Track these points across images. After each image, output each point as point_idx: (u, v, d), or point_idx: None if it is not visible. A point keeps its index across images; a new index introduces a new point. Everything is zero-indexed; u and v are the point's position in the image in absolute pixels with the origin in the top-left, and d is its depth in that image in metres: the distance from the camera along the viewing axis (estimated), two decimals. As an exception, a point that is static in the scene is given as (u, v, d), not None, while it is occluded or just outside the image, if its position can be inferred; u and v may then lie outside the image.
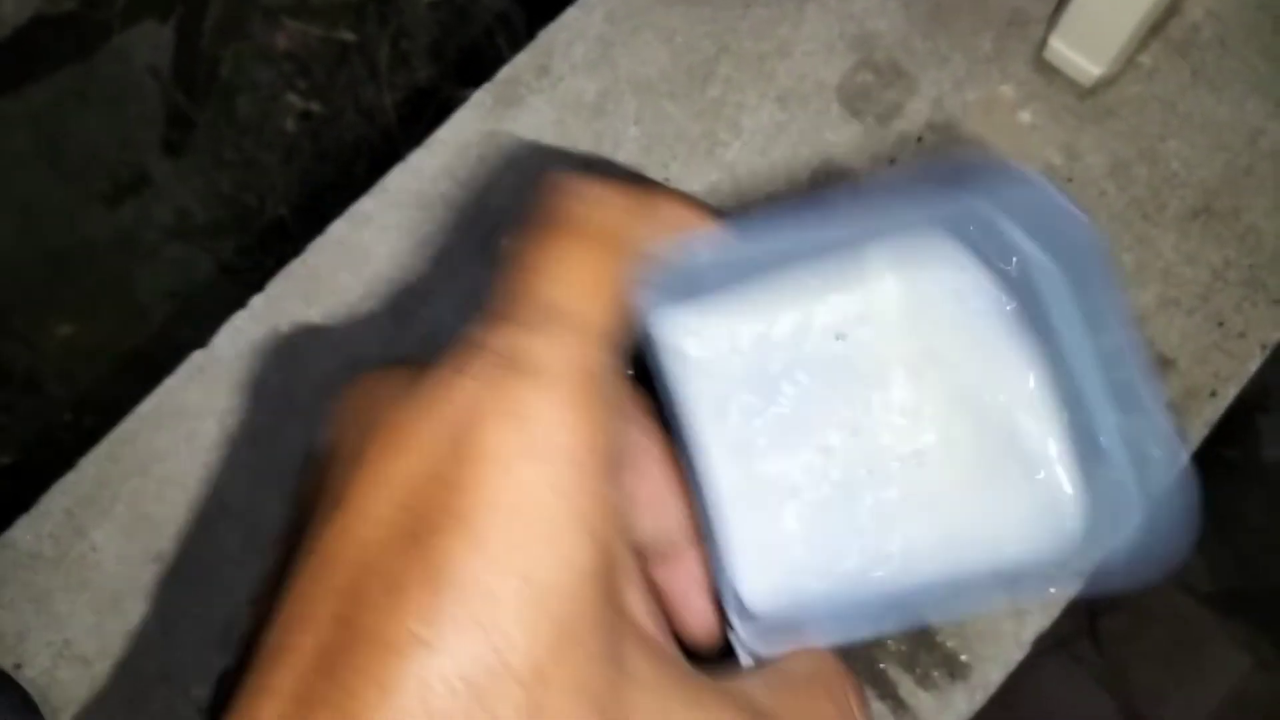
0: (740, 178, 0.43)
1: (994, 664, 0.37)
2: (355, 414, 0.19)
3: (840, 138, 0.44)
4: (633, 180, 0.23)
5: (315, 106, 1.10)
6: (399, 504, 0.16)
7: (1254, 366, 0.41)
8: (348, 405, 0.19)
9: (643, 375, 0.27)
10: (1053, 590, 0.26)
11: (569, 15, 0.46)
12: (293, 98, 1.12)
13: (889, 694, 0.37)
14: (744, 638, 0.23)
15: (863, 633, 0.24)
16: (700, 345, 0.27)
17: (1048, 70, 0.44)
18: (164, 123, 1.15)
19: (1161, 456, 0.23)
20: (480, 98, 0.44)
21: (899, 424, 0.27)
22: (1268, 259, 0.42)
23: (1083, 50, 0.43)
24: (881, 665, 0.37)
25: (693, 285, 0.26)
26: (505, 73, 0.45)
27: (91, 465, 0.40)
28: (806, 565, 0.26)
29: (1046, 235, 0.25)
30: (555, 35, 0.45)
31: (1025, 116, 0.44)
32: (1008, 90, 0.44)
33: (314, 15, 1.07)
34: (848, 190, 0.27)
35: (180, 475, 0.40)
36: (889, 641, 0.38)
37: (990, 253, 0.27)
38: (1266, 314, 0.41)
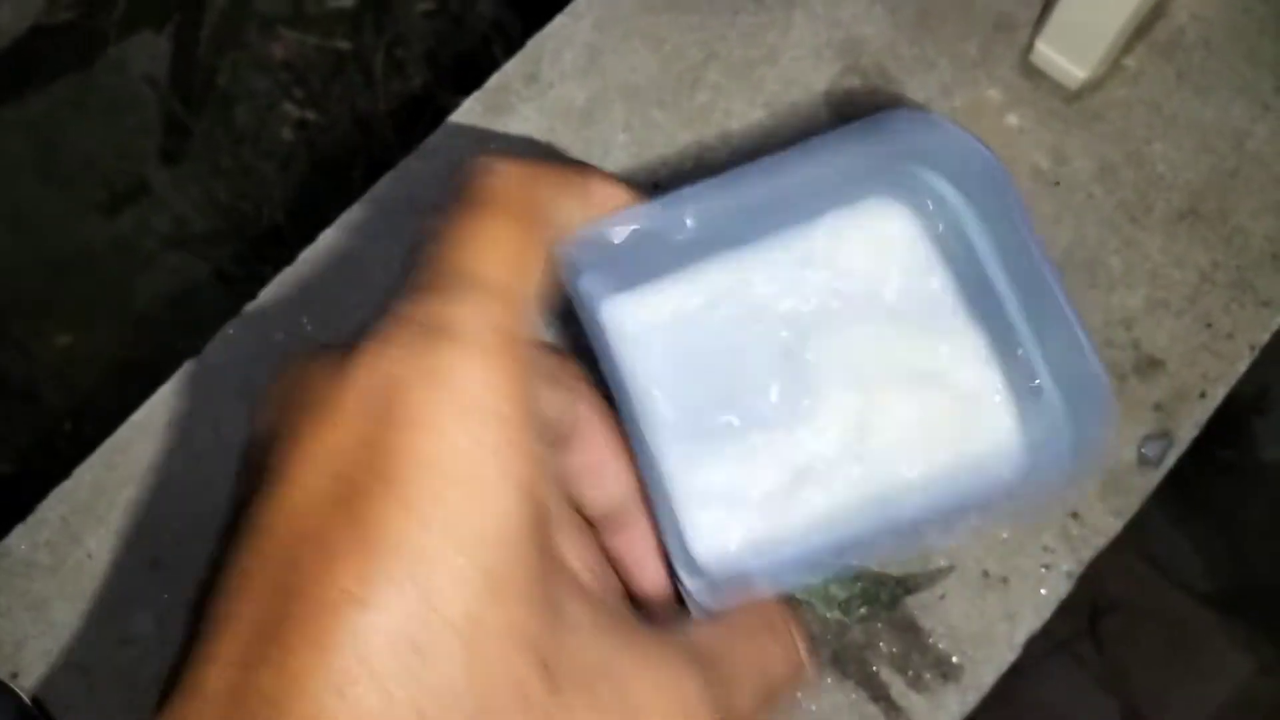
0: (730, 183, 0.44)
1: (986, 665, 0.38)
2: (286, 395, 0.19)
3: (829, 143, 0.44)
4: (558, 160, 0.23)
5: (311, 115, 1.10)
6: (330, 473, 0.17)
7: (1243, 367, 0.41)
8: (278, 388, 0.20)
9: (584, 349, 0.27)
10: (988, 523, 0.27)
11: (558, 23, 0.46)
12: (289, 107, 1.12)
13: (881, 696, 0.37)
14: (694, 594, 0.23)
15: (808, 579, 0.25)
16: (637, 318, 0.28)
17: (1034, 74, 0.45)
18: (161, 132, 1.16)
19: (1090, 391, 0.24)
20: (470, 105, 0.45)
21: (837, 383, 0.28)
22: (1254, 260, 0.42)
23: (1068, 54, 0.43)
24: (874, 667, 0.37)
25: (628, 259, 0.27)
26: (495, 80, 0.45)
27: (87, 473, 0.40)
28: (751, 522, 0.27)
29: (961, 175, 0.27)
30: (544, 43, 0.46)
31: (1012, 120, 0.44)
32: (994, 94, 0.45)
33: (310, 25, 1.08)
34: (770, 157, 0.28)
35: (175, 482, 0.40)
36: (880, 643, 0.38)
37: (911, 200, 0.28)
38: (1254, 315, 0.41)
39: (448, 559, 0.16)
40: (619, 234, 0.25)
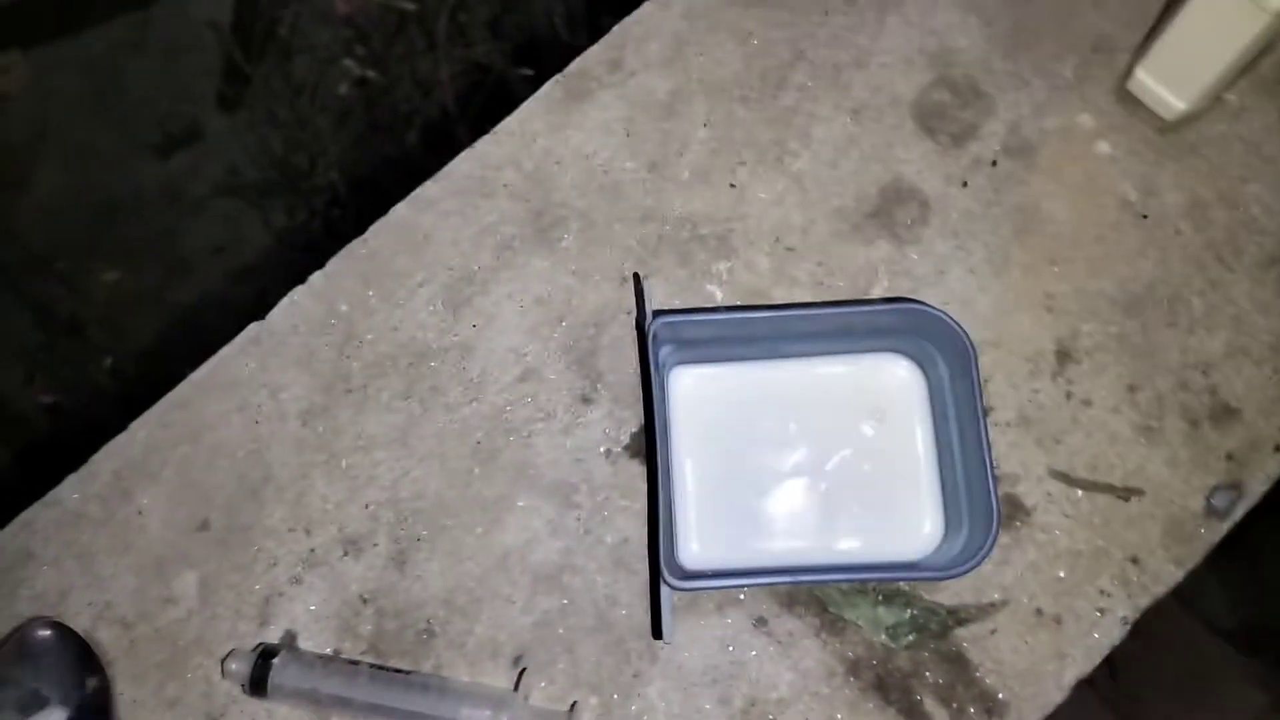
0: (807, 189, 0.43)
1: (1031, 705, 0.37)
2: None
3: (912, 155, 0.43)
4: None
5: (371, 74, 1.09)
6: None
7: (1321, 423, 0.40)
8: None
9: (645, 397, 0.40)
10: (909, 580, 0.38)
11: (645, 9, 0.45)
12: (349, 63, 1.12)
13: (920, 724, 0.37)
14: (672, 584, 0.34)
15: (761, 584, 0.37)
16: (696, 381, 0.40)
17: (1130, 101, 0.43)
18: (219, 77, 1.16)
19: (985, 516, 0.35)
20: (550, 89, 0.44)
21: (828, 461, 0.39)
22: (1343, 313, 0.41)
23: (1169, 84, 0.42)
24: (918, 696, 0.37)
25: (698, 344, 0.39)
26: (576, 65, 0.44)
27: (142, 429, 0.40)
28: (733, 544, 0.38)
29: (947, 349, 0.38)
30: (630, 29, 0.45)
31: (1104, 147, 0.43)
32: (1087, 119, 0.43)
33: (376, -18, 1.06)
34: (825, 306, 0.41)
35: (230, 446, 0.40)
36: (926, 673, 0.37)
37: (916, 359, 0.40)
38: (1337, 369, 0.40)
39: None
40: (695, 327, 0.38)
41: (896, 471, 0.39)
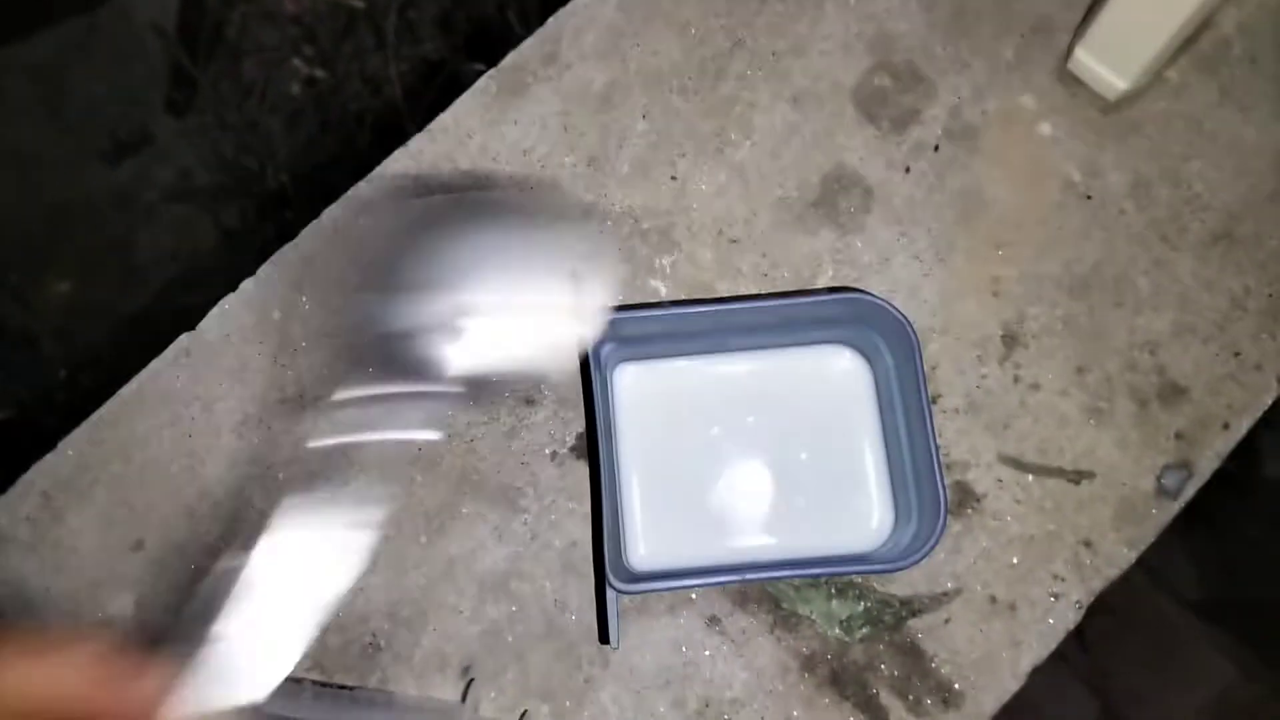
0: (749, 179, 0.42)
1: (988, 694, 0.37)
2: None
3: (854, 142, 0.43)
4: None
5: (320, 73, 1.08)
6: None
7: (1269, 400, 0.39)
8: None
9: (588, 396, 0.39)
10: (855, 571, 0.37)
11: (580, 1, 0.44)
12: (298, 63, 1.10)
13: (879, 719, 0.36)
14: (618, 588, 0.34)
15: (709, 584, 0.36)
16: (638, 378, 0.40)
17: (1071, 82, 0.43)
18: (167, 81, 1.14)
19: (933, 505, 0.35)
20: (485, 84, 0.43)
21: (775, 455, 0.39)
22: (1288, 288, 0.41)
23: (1109, 63, 0.41)
24: (874, 690, 0.37)
25: (640, 341, 0.39)
26: (511, 59, 0.43)
27: (71, 448, 0.39)
28: (681, 544, 0.38)
29: (890, 336, 0.38)
30: (565, 22, 0.44)
31: (1045, 129, 0.43)
32: (1028, 101, 0.43)
33: (323, -20, 1.05)
34: (768, 299, 0.40)
35: (162, 462, 0.39)
36: (881, 665, 0.37)
37: (859, 349, 0.39)
38: (1283, 344, 0.40)
39: None
40: (636, 324, 0.38)
41: (844, 463, 0.38)
